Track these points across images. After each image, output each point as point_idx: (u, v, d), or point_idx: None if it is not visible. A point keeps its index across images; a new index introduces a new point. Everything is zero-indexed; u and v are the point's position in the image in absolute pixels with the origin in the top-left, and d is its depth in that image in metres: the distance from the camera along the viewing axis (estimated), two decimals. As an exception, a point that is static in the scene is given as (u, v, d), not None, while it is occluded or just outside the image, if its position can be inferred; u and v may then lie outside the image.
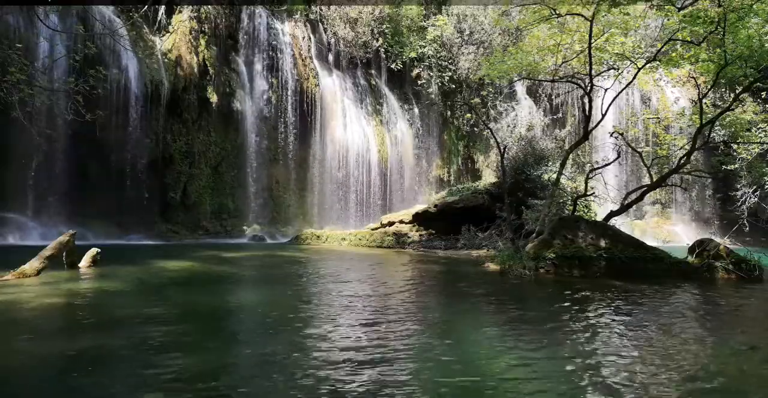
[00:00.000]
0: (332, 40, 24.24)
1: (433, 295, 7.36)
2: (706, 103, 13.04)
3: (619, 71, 12.56)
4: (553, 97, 27.97)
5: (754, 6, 9.56)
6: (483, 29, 25.77)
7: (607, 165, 12.68)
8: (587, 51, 10.91)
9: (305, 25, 23.44)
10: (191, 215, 19.34)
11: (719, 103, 20.22)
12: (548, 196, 12.44)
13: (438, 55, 25.78)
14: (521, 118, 25.92)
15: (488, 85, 25.99)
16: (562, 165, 12.01)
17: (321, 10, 23.84)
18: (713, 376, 3.61)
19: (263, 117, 21.28)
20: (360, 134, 23.72)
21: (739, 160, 16.84)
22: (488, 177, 24.98)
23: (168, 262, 10.05)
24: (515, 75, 14.86)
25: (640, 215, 25.74)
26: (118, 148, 17.14)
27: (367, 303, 6.17)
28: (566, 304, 6.34)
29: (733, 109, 12.66)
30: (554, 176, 13.01)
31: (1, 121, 13.56)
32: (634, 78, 11.86)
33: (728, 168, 17.41)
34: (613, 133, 13.00)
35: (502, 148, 12.02)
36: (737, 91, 12.48)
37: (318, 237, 17.50)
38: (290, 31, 22.54)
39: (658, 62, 11.83)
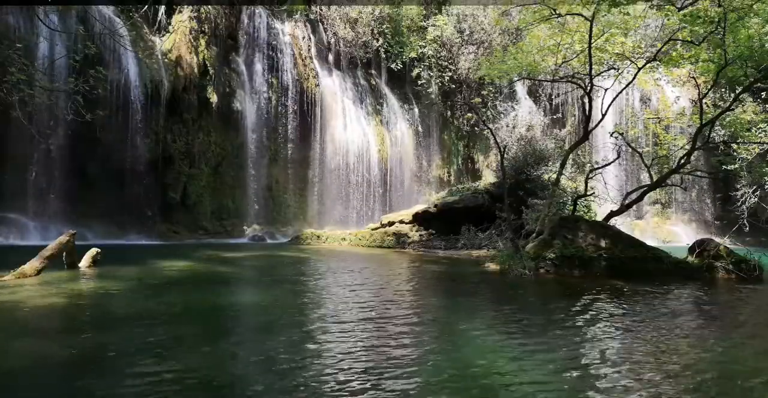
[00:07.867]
0: (332, 40, 24.23)
1: (433, 295, 7.36)
2: (706, 103, 13.04)
3: (619, 71, 12.56)
4: (553, 97, 27.96)
5: (754, 6, 9.57)
6: (483, 29, 25.75)
7: (607, 165, 12.69)
8: (587, 51, 10.91)
9: (305, 25, 23.41)
10: (191, 215, 19.32)
11: (719, 103, 20.16)
12: (548, 195, 12.43)
13: (438, 55, 25.76)
14: (521, 118, 25.89)
15: (488, 85, 25.97)
16: (562, 165, 12.01)
17: (321, 10, 23.83)
18: (711, 376, 3.61)
19: (263, 117, 21.26)
20: (360, 134, 23.70)
21: (739, 160, 16.79)
22: (488, 177, 24.95)
23: (168, 262, 10.04)
24: (515, 75, 14.88)
25: (640, 215, 25.72)
26: (118, 148, 17.11)
27: (367, 304, 6.16)
28: (567, 305, 6.34)
29: (733, 109, 12.65)
30: (554, 176, 13.00)
31: (1, 121, 13.57)
32: (634, 78, 11.87)
33: (728, 168, 17.37)
34: (613, 133, 13.01)
35: (502, 148, 12.02)
36: (737, 91, 12.48)
37: (318, 237, 17.49)
38: (290, 32, 22.53)
39: (658, 62, 11.84)
